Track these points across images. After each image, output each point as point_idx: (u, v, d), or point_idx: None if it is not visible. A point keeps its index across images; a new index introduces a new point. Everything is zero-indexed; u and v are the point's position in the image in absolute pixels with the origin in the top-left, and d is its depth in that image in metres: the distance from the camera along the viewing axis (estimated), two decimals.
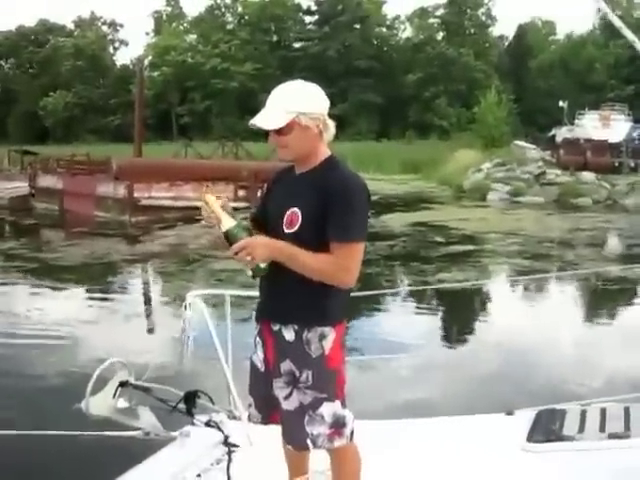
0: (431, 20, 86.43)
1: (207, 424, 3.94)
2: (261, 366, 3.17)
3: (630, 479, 3.44)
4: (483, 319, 12.48)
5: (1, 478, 5.80)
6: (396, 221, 25.01)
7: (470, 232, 22.75)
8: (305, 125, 2.92)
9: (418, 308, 12.76)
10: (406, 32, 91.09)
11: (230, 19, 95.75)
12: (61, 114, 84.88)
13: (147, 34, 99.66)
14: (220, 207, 3.02)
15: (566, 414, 4.16)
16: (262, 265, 2.91)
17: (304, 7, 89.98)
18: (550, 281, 14.95)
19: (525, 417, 4.21)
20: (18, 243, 21.12)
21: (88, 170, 30.99)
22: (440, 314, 12.73)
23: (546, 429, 3.98)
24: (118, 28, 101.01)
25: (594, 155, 36.98)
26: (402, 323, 11.53)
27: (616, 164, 37.15)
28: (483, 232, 22.84)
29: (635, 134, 42.37)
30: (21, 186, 32.53)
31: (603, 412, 4.10)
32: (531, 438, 3.91)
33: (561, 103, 49.15)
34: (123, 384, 3.70)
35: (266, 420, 3.22)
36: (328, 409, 2.99)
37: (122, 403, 3.71)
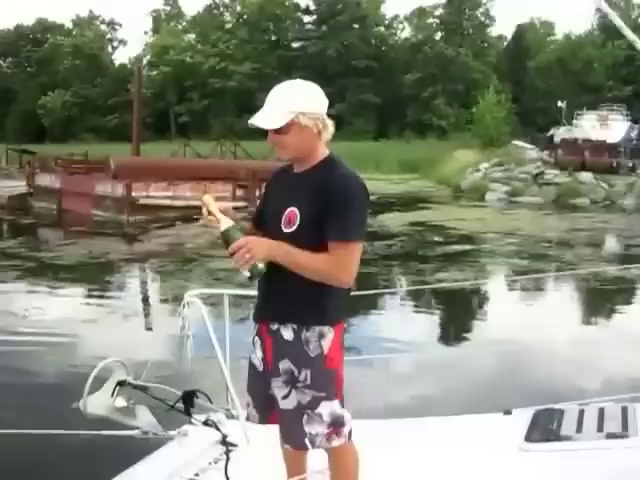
0: (430, 20, 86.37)
1: (205, 423, 3.94)
2: (259, 365, 3.17)
3: (628, 479, 3.44)
4: (481, 319, 12.50)
5: None
6: (394, 221, 25.02)
7: (468, 232, 22.77)
8: (304, 125, 2.92)
9: (416, 308, 12.77)
10: (405, 32, 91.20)
11: (229, 18, 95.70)
12: (59, 113, 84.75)
13: (145, 33, 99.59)
14: (217, 208, 3.01)
15: (564, 414, 4.16)
16: (260, 266, 2.91)
17: (303, 6, 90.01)
18: (548, 281, 14.96)
19: (523, 417, 4.21)
20: (16, 242, 21.11)
21: (86, 169, 30.98)
22: (438, 314, 12.74)
23: (544, 429, 3.98)
24: (116, 27, 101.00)
25: (592, 155, 37.03)
26: (400, 323, 11.54)
27: (614, 164, 37.18)
28: (481, 232, 22.86)
29: (633, 134, 42.44)
30: (19, 185, 32.52)
31: (601, 412, 4.10)
32: (529, 438, 3.91)
33: (559, 103, 49.19)
34: (121, 383, 3.70)
35: (264, 420, 3.22)
36: (326, 408, 2.99)
37: (120, 402, 3.71)
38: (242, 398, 3.55)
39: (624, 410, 4.07)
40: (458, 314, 13.01)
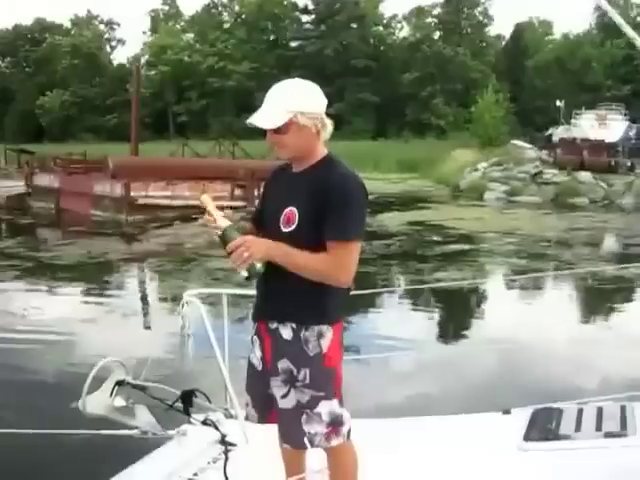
0: (428, 19, 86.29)
1: (204, 423, 3.94)
2: (258, 365, 3.17)
3: (626, 478, 3.44)
4: (480, 318, 12.50)
5: None
6: (393, 220, 25.01)
7: (467, 231, 22.77)
8: (303, 124, 2.92)
9: (414, 307, 12.77)
10: (403, 31, 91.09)
11: (227, 18, 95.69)
12: (58, 113, 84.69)
13: (144, 33, 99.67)
14: (215, 207, 3.01)
15: (563, 413, 4.16)
16: (258, 266, 2.91)
17: (301, 6, 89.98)
18: (547, 280, 14.96)
19: (522, 416, 4.21)
20: (14, 242, 21.10)
21: (85, 169, 30.92)
22: (436, 313, 12.74)
23: (543, 428, 3.99)
24: (115, 27, 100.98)
25: (591, 155, 37.02)
26: (398, 322, 11.53)
27: (613, 164, 37.20)
28: (480, 231, 22.86)
29: (632, 134, 42.44)
30: (17, 185, 32.49)
31: (599, 411, 4.10)
32: (528, 437, 3.91)
33: (558, 103, 49.17)
34: (120, 383, 3.70)
35: (263, 419, 3.22)
36: (326, 408, 2.99)
37: (119, 402, 3.71)
38: (241, 397, 3.56)
39: (623, 409, 4.08)
40: (457, 313, 13.01)
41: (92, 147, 48.09)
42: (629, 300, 13.98)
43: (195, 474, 3.68)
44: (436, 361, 9.15)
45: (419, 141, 61.11)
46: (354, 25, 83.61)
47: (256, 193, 24.38)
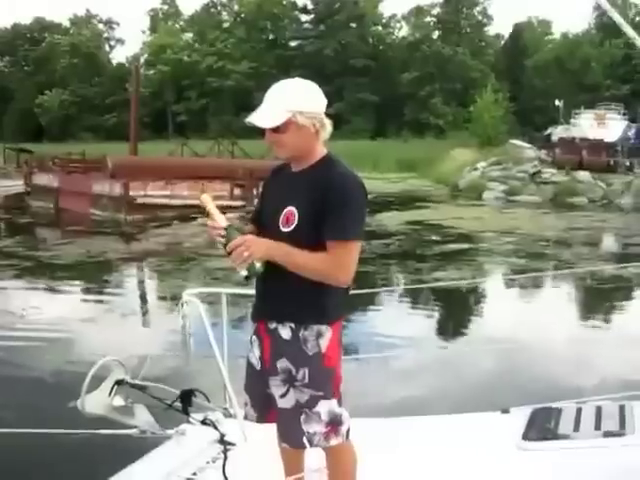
0: (427, 19, 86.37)
1: (203, 422, 3.94)
2: (257, 364, 3.17)
3: (625, 477, 3.44)
4: (478, 318, 12.50)
5: None
6: (392, 220, 25.02)
7: (466, 231, 22.78)
8: (302, 124, 2.92)
9: (413, 306, 12.78)
10: (402, 31, 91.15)
11: (226, 17, 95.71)
12: (57, 112, 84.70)
13: (143, 32, 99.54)
14: (215, 207, 3.01)
15: (561, 412, 4.16)
16: (257, 265, 2.91)
17: (300, 5, 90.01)
18: (545, 280, 14.96)
19: (520, 415, 4.21)
20: (13, 241, 21.11)
21: (84, 168, 30.96)
22: (435, 312, 12.74)
23: (541, 427, 3.99)
24: (114, 26, 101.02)
25: (590, 154, 37.04)
26: (397, 321, 11.53)
27: (612, 163, 37.22)
28: (479, 231, 22.87)
29: (630, 133, 42.43)
30: (16, 184, 32.49)
31: (598, 410, 4.10)
32: (526, 436, 3.91)
33: (557, 102, 49.19)
34: (119, 382, 3.70)
35: (262, 419, 3.22)
36: (325, 407, 2.99)
37: (118, 401, 3.71)
38: (240, 397, 3.56)
39: (621, 408, 4.08)
40: (456, 313, 13.01)
41: (91, 146, 48.09)
42: (628, 299, 13.98)
43: (194, 474, 3.68)
44: (435, 360, 9.15)
45: (418, 141, 61.12)
46: (353, 25, 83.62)
47: (255, 192, 24.40)
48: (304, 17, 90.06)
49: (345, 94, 76.19)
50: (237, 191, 26.64)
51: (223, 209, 3.04)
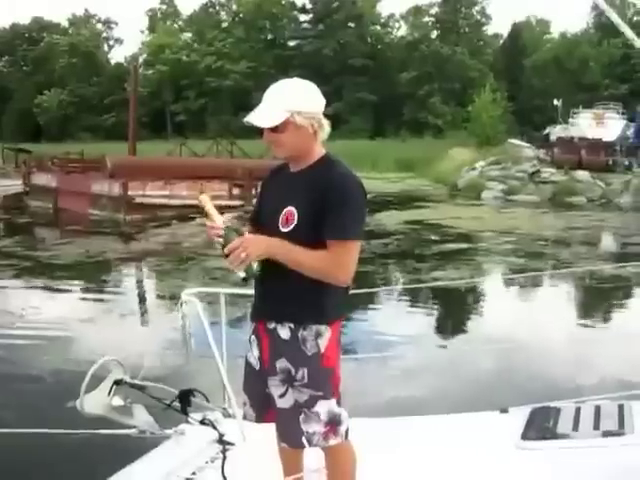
0: (425, 18, 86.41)
1: (202, 422, 3.94)
2: (256, 364, 3.17)
3: (624, 477, 3.44)
4: (477, 317, 12.50)
5: None
6: (391, 219, 25.01)
7: (464, 230, 22.78)
8: (300, 124, 2.92)
9: (412, 306, 12.78)
10: (401, 30, 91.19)
11: (225, 17, 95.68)
12: (55, 112, 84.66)
13: (142, 32, 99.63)
14: (214, 207, 3.01)
15: (560, 412, 4.16)
16: (255, 267, 2.92)
17: (299, 5, 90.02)
18: (544, 279, 14.96)
19: (519, 415, 4.21)
20: (12, 241, 21.08)
21: (82, 168, 30.95)
22: (434, 312, 12.74)
23: (540, 427, 3.99)
24: (113, 26, 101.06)
25: (588, 154, 37.06)
26: (396, 321, 11.53)
27: (610, 163, 37.23)
28: (477, 230, 22.87)
29: (629, 132, 42.43)
30: (15, 184, 32.47)
31: (597, 410, 4.11)
32: (525, 436, 3.92)
33: (555, 102, 49.18)
34: (118, 382, 3.70)
35: (261, 419, 3.22)
36: (324, 407, 2.99)
37: (117, 401, 3.71)
38: (239, 397, 3.56)
39: (620, 408, 4.08)
40: (455, 312, 13.02)
41: (90, 146, 48.06)
42: (627, 299, 13.99)
43: (193, 473, 3.68)
44: (434, 360, 9.15)
45: (417, 140, 61.11)
46: (352, 24, 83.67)
47: (254, 192, 24.39)
48: (303, 17, 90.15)
49: (344, 94, 76.19)
50: (236, 191, 26.63)
51: (222, 209, 3.04)
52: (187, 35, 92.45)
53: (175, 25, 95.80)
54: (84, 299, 13.87)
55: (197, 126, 76.46)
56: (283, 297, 3.01)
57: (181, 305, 3.94)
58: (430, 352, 9.56)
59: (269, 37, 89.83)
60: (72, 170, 30.70)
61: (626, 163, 37.42)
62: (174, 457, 3.79)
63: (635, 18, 76.94)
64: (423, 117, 74.22)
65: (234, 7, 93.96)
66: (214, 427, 3.91)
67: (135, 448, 3.93)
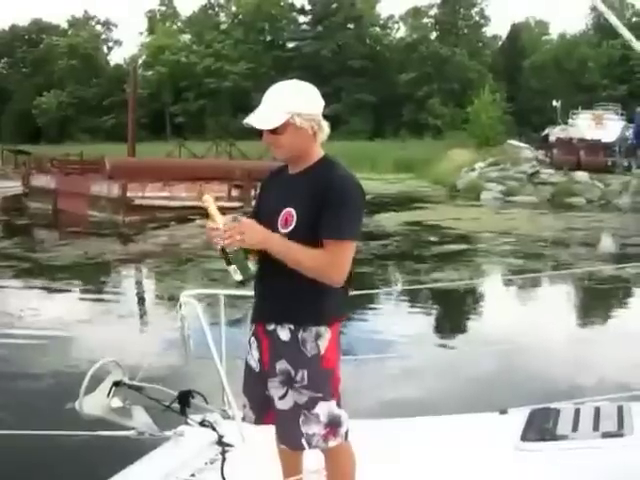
0: (425, 20, 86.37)
1: (201, 424, 3.95)
2: (256, 366, 3.17)
3: (624, 478, 3.44)
4: (476, 318, 12.50)
5: None
6: (390, 220, 25.02)
7: (464, 231, 22.79)
8: (300, 125, 2.93)
9: (411, 307, 12.78)
10: (400, 32, 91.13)
11: (224, 18, 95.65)
12: (55, 113, 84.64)
13: (141, 34, 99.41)
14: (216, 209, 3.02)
15: (560, 413, 4.16)
16: (251, 268, 2.92)
17: (298, 6, 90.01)
18: (543, 281, 14.97)
19: (519, 416, 4.21)
20: (11, 243, 21.07)
21: (82, 170, 30.94)
22: (433, 313, 12.74)
23: (540, 428, 3.99)
24: (112, 27, 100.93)
25: (587, 155, 37.09)
26: (395, 322, 11.53)
27: (609, 164, 37.25)
28: (476, 231, 22.87)
29: (628, 133, 42.44)
30: (15, 186, 32.47)
31: (597, 411, 4.10)
32: (525, 437, 3.91)
33: (554, 103, 49.18)
34: (117, 384, 3.70)
35: (260, 420, 3.22)
36: (324, 408, 2.99)
37: (116, 403, 3.71)
38: (238, 398, 3.55)
39: (620, 409, 4.08)
40: (454, 314, 13.01)
41: (89, 148, 48.06)
42: (626, 300, 13.99)
43: (192, 475, 3.67)
44: (433, 361, 9.15)
45: (416, 141, 61.11)
46: (351, 26, 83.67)
47: (253, 193, 24.38)
48: (302, 18, 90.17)
49: (343, 95, 76.17)
50: (235, 192, 26.63)
51: (221, 210, 3.04)
52: (186, 36, 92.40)
53: (174, 26, 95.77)
54: (83, 300, 13.87)
55: (196, 127, 76.44)
56: (282, 299, 3.01)
57: (180, 307, 3.94)
58: (429, 353, 9.55)
59: (268, 38, 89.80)
60: (71, 171, 30.70)
61: (625, 164, 37.46)
62: (173, 458, 3.79)
63: (634, 19, 76.92)
64: (422, 118, 74.18)
65: (233, 9, 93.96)
66: (213, 428, 3.91)
67: (134, 449, 3.93)
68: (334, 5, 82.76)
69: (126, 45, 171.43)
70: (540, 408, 4.31)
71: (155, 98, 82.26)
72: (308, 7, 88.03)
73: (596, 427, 3.90)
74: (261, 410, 3.17)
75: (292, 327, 2.99)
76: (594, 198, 33.66)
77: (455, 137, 54.74)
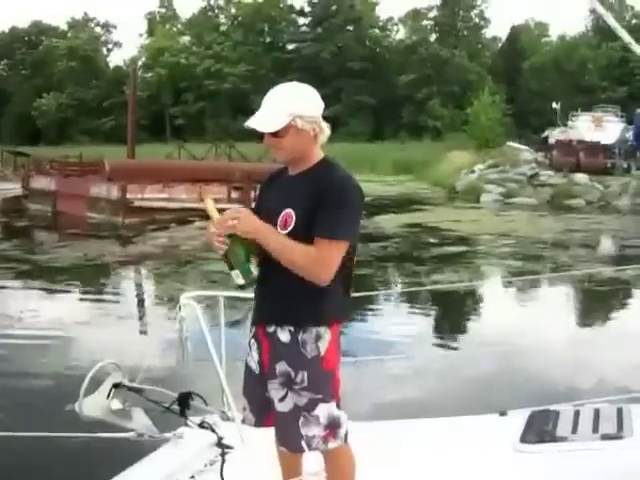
0: (424, 22, 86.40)
1: (200, 425, 3.94)
2: (256, 368, 3.16)
3: None
4: (476, 320, 12.49)
5: None
6: (389, 222, 25.03)
7: (463, 233, 22.79)
8: (301, 128, 2.93)
9: (411, 309, 12.77)
10: (399, 33, 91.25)
11: (223, 20, 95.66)
12: (54, 115, 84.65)
13: (140, 35, 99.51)
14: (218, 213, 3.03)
15: (559, 415, 4.16)
16: (254, 272, 2.93)
17: (297, 8, 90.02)
18: (543, 282, 14.97)
19: (518, 418, 4.21)
20: (11, 244, 21.06)
21: (81, 171, 30.92)
22: (433, 315, 12.74)
23: (539, 430, 3.98)
24: (111, 29, 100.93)
25: (587, 156, 37.11)
26: (395, 324, 11.53)
27: (609, 165, 37.28)
28: (476, 233, 22.88)
29: (628, 135, 42.48)
30: (14, 187, 32.46)
31: (596, 413, 4.10)
32: (524, 439, 3.91)
33: (554, 104, 49.22)
34: (117, 385, 3.70)
35: (260, 422, 3.22)
36: (324, 410, 2.99)
37: (116, 404, 3.71)
38: (238, 400, 3.55)
39: (619, 411, 4.07)
40: (453, 315, 13.01)
41: (88, 149, 48.05)
42: (626, 302, 13.99)
43: (192, 477, 3.67)
44: (432, 363, 9.14)
45: (415, 143, 61.10)
46: (350, 27, 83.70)
47: (252, 195, 24.35)
48: (301, 20, 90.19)
49: (342, 97, 76.20)
50: (234, 194, 26.59)
51: (222, 213, 3.04)
52: (186, 38, 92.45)
53: (174, 28, 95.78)
54: (82, 302, 13.86)
55: (196, 129, 76.44)
56: (282, 300, 3.01)
57: (180, 308, 3.93)
58: (429, 354, 9.55)
59: (268, 40, 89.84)
60: (71, 173, 30.68)
61: (624, 166, 37.50)
62: (173, 460, 3.78)
63: (634, 21, 76.96)
64: (422, 120, 74.18)
65: (233, 10, 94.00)
66: (213, 430, 3.91)
67: (134, 451, 3.93)
68: (333, 7, 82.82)
69: (126, 47, 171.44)
70: (540, 410, 4.31)
71: (155, 100, 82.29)
72: (307, 9, 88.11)
73: (595, 429, 3.90)
74: (261, 412, 3.17)
75: (292, 329, 2.99)
76: (593, 200, 33.68)
77: (454, 139, 54.73)
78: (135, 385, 3.74)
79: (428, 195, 37.10)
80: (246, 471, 3.60)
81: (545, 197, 34.20)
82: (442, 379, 8.37)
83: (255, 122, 2.95)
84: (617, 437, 3.76)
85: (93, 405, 3.63)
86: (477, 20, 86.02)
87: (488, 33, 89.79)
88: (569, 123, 46.11)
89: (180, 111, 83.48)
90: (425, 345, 10.29)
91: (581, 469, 3.55)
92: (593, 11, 65.79)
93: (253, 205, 3.32)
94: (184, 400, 3.81)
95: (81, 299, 14.21)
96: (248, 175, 25.91)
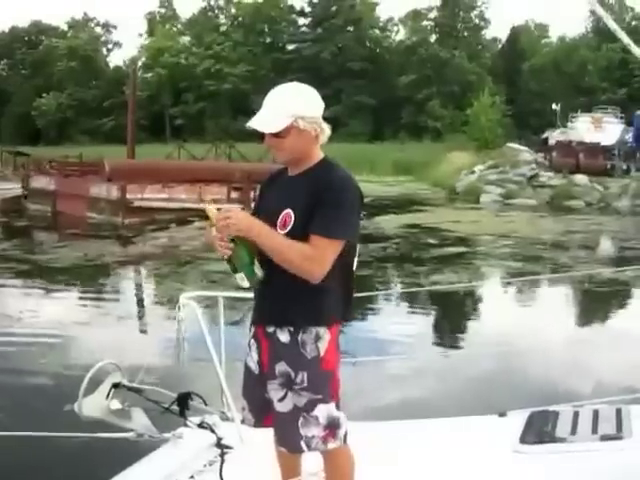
0: (424, 22, 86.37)
1: (200, 426, 3.94)
2: (255, 369, 3.16)
3: None
4: (476, 321, 12.50)
5: None
6: (389, 223, 25.03)
7: (463, 234, 22.79)
8: (303, 128, 2.93)
9: (411, 310, 12.78)
10: (399, 34, 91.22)
11: (223, 20, 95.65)
12: (54, 115, 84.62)
13: (140, 35, 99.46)
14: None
15: (558, 415, 4.16)
16: (258, 274, 2.94)
17: (297, 9, 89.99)
18: (542, 283, 14.97)
19: (518, 418, 4.21)
20: (10, 244, 21.05)
21: (81, 171, 30.91)
22: (433, 316, 12.74)
23: (539, 430, 3.99)
24: (111, 29, 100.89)
25: (587, 158, 37.13)
26: (395, 325, 11.53)
27: (608, 167, 37.29)
28: (476, 234, 22.88)
29: (627, 137, 42.50)
30: (14, 187, 32.47)
31: (595, 414, 4.10)
32: (523, 439, 3.91)
33: (554, 105, 49.27)
34: (116, 385, 3.70)
35: (260, 423, 3.21)
36: (323, 410, 2.99)
37: (115, 404, 3.71)
38: (237, 400, 3.55)
39: (618, 412, 4.08)
40: (453, 316, 13.01)
41: (88, 149, 48.08)
42: (625, 303, 13.99)
43: (191, 477, 3.67)
44: (432, 363, 9.14)
45: (415, 144, 61.08)
46: (350, 28, 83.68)
47: (252, 196, 24.36)
48: (301, 20, 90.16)
49: (342, 97, 76.20)
50: (234, 194, 26.60)
51: None
52: (186, 38, 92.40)
53: (174, 28, 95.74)
54: (82, 302, 13.85)
55: (196, 129, 76.40)
56: (282, 300, 3.01)
57: (179, 309, 3.94)
58: (428, 355, 9.55)
59: (268, 40, 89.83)
60: (70, 173, 30.66)
61: (624, 167, 37.52)
62: (172, 460, 3.78)
63: (633, 22, 76.99)
64: (422, 120, 74.16)
65: (233, 11, 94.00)
66: (212, 430, 3.91)
67: (133, 451, 3.93)
68: (334, 7, 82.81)
69: (126, 47, 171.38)
70: (539, 411, 4.31)
71: (155, 100, 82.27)
72: (308, 9, 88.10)
73: (595, 430, 3.90)
74: (260, 413, 3.17)
75: (292, 329, 2.99)
76: (593, 201, 33.70)
77: (454, 140, 54.73)
78: (134, 385, 3.74)
79: (428, 196, 37.11)
80: (245, 471, 3.60)
81: (545, 198, 34.21)
82: (442, 380, 8.37)
83: (257, 123, 2.96)
84: (616, 438, 3.77)
85: (92, 405, 3.63)
86: (477, 21, 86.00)
87: (488, 34, 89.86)
88: (569, 124, 46.16)
89: (180, 111, 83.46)
90: (425, 346, 10.29)
91: (580, 470, 3.55)
92: (593, 12, 65.85)
93: (253, 205, 3.33)
94: (183, 400, 3.81)
95: (81, 299, 14.20)
96: (248, 175, 25.91)
